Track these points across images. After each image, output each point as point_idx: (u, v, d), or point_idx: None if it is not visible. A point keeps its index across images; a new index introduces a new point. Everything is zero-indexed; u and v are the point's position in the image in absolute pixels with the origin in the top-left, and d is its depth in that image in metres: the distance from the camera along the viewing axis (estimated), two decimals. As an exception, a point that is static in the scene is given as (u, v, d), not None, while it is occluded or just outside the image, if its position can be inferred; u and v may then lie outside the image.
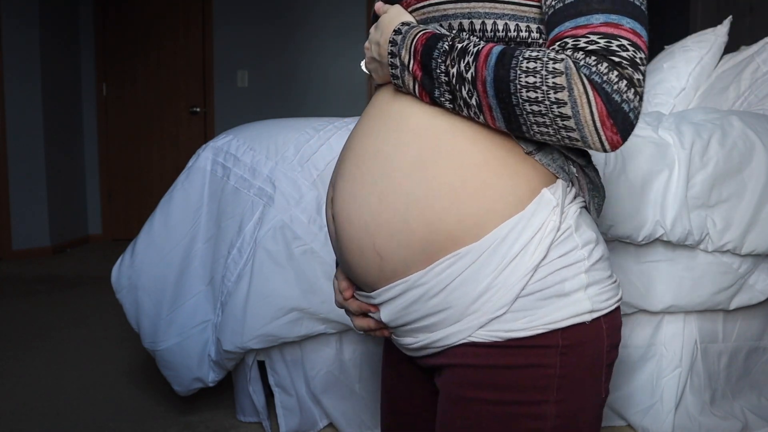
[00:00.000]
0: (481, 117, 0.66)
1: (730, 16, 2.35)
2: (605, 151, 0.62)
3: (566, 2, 0.62)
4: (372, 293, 0.74)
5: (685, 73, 2.22)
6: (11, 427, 1.71)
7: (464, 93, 0.65)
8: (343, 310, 0.94)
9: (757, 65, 2.03)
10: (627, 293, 1.51)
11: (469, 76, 0.64)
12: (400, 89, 0.72)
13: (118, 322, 2.63)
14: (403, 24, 0.71)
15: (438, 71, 0.66)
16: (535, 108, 0.60)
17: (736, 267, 1.53)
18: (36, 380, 2.05)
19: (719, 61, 2.26)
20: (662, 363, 1.59)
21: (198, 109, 4.99)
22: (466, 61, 0.64)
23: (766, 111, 1.82)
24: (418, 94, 0.69)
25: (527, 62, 0.60)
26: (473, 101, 0.64)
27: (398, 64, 0.70)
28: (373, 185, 0.69)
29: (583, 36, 0.60)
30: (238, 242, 1.56)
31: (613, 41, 0.59)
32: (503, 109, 0.63)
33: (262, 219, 1.52)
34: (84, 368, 2.16)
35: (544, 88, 0.59)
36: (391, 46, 0.70)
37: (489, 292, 0.66)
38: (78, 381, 2.04)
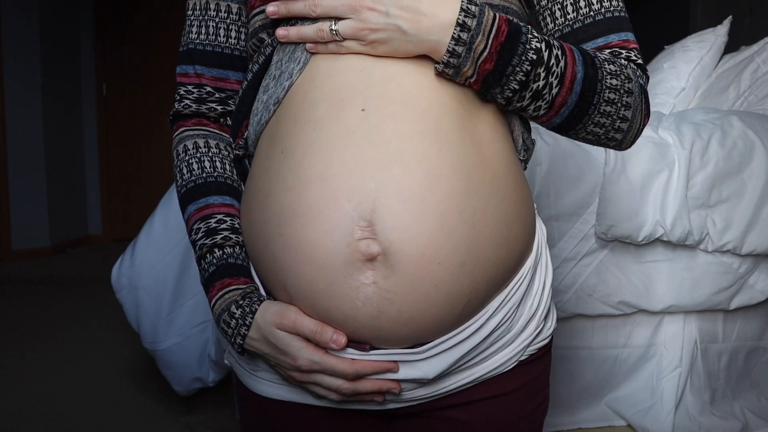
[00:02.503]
0: (540, 112, 0.61)
1: (730, 16, 2.35)
2: (622, 150, 0.70)
3: (607, 16, 0.68)
4: (423, 347, 0.60)
5: (685, 73, 2.22)
6: (11, 427, 1.71)
7: (540, 86, 0.59)
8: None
9: (757, 65, 2.03)
10: (627, 293, 1.51)
11: (558, 69, 0.59)
12: (445, 73, 0.59)
13: (118, 322, 2.63)
14: (470, 2, 0.58)
15: (519, 64, 0.58)
16: (608, 109, 0.62)
17: (736, 267, 1.53)
18: (36, 380, 2.05)
19: (719, 61, 2.26)
20: (662, 363, 1.59)
21: (198, 109, 5.00)
22: (555, 54, 0.59)
23: (766, 111, 1.82)
24: (464, 83, 0.59)
25: (608, 65, 0.62)
26: (549, 95, 0.60)
27: (461, 52, 0.57)
28: (461, 212, 0.56)
29: (630, 50, 0.68)
30: (238, 242, 1.56)
31: (640, 57, 0.68)
32: (577, 107, 0.61)
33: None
34: (84, 368, 2.16)
35: (621, 91, 0.62)
36: (460, 30, 0.57)
37: (538, 310, 0.66)
38: (78, 381, 2.04)
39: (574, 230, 1.49)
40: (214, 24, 0.73)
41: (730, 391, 1.63)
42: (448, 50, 0.57)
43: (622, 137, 0.66)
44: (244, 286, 0.64)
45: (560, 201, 1.49)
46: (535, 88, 0.59)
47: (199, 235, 0.68)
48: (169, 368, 1.63)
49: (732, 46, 2.35)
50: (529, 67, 0.58)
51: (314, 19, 0.60)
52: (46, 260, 4.23)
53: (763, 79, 1.97)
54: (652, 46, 3.05)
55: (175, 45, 5.77)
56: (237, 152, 0.71)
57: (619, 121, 0.63)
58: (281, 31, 0.61)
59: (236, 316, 0.62)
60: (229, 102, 0.75)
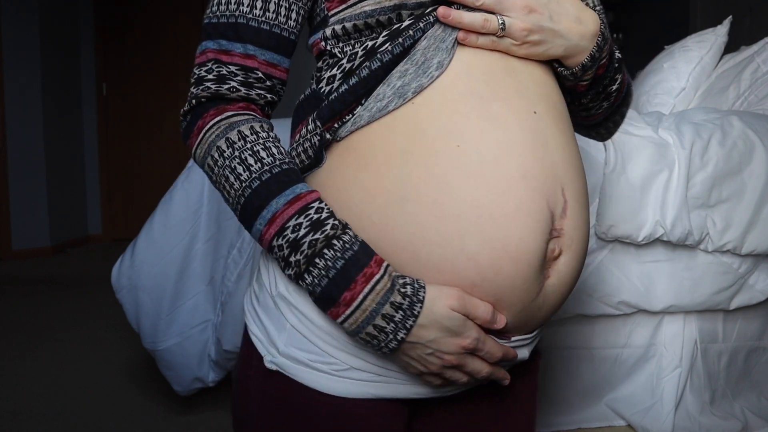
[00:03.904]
0: (612, 97, 0.74)
1: (730, 16, 2.35)
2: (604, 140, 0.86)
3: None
4: (534, 333, 0.65)
5: (685, 73, 2.22)
6: (11, 427, 1.71)
7: (612, 89, 0.73)
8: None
9: (757, 65, 2.03)
10: (627, 293, 1.51)
11: (620, 77, 0.73)
12: (562, 69, 0.65)
13: (118, 322, 2.63)
14: (598, 12, 0.68)
15: (611, 70, 0.70)
16: (624, 109, 0.80)
17: (736, 267, 1.53)
18: (36, 380, 2.05)
19: (719, 61, 2.26)
20: (662, 363, 1.59)
21: (198, 109, 5.00)
22: (618, 58, 0.71)
23: (766, 111, 1.82)
24: (583, 80, 0.67)
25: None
26: (618, 83, 0.73)
27: (597, 58, 0.65)
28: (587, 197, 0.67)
29: None
30: (238, 242, 1.56)
31: None
32: (616, 107, 0.76)
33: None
34: (84, 368, 2.16)
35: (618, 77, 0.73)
36: (601, 39, 0.65)
37: None
38: (78, 381, 2.04)
39: (574, 230, 1.49)
40: (275, 1, 0.64)
41: (730, 391, 1.63)
42: (590, 56, 0.64)
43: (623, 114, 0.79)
44: (386, 273, 0.57)
45: (560, 201, 1.49)
46: (615, 78, 0.71)
47: (303, 231, 0.57)
48: (169, 368, 1.63)
49: (732, 46, 2.35)
50: (613, 73, 0.70)
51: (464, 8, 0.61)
52: (46, 260, 4.23)
53: (763, 79, 1.97)
54: (652, 46, 3.05)
55: (176, 45, 5.75)
56: (327, 135, 0.61)
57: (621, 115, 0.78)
58: (443, 11, 0.59)
59: (403, 306, 0.56)
60: (277, 90, 0.67)
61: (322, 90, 0.63)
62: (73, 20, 4.89)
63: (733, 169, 1.51)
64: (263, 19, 0.63)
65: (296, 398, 0.62)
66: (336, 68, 0.63)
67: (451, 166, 0.57)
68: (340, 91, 0.61)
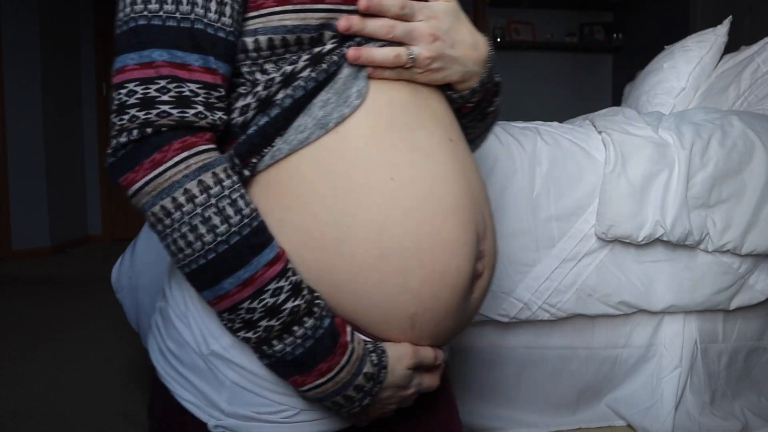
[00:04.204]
0: (488, 118, 0.77)
1: (730, 16, 2.35)
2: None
3: None
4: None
5: (685, 73, 2.22)
6: (11, 427, 1.71)
7: (495, 97, 0.75)
8: None
9: (757, 65, 2.03)
10: (627, 293, 1.51)
11: (497, 82, 0.75)
12: (451, 93, 0.67)
13: (118, 322, 2.63)
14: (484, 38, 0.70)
15: (494, 91, 0.74)
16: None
17: (736, 267, 1.53)
18: (36, 380, 2.05)
19: (719, 61, 2.26)
20: (662, 363, 1.59)
21: (198, 109, 5.00)
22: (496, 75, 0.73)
23: (766, 111, 1.82)
24: (470, 102, 0.70)
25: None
26: (495, 105, 0.75)
27: (486, 82, 0.69)
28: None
29: None
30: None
31: None
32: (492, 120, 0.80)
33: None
34: (84, 368, 2.16)
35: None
36: (491, 64, 0.69)
37: None
38: (78, 381, 2.04)
39: (574, 230, 1.49)
40: (229, 2, 0.55)
41: (730, 391, 1.63)
42: (480, 81, 0.67)
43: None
44: (353, 339, 0.56)
45: (560, 201, 1.49)
46: (486, 112, 0.73)
47: (283, 296, 0.53)
48: (169, 368, 1.63)
49: (732, 46, 2.35)
50: (492, 96, 0.72)
51: (365, 40, 0.58)
52: (46, 260, 4.23)
53: (763, 79, 1.97)
54: (652, 46, 3.05)
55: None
56: (246, 172, 0.56)
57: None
58: (353, 53, 0.56)
59: (374, 376, 0.57)
60: (225, 110, 0.57)
61: (234, 121, 0.57)
62: (73, 20, 4.89)
63: (733, 169, 1.51)
64: (219, 24, 0.54)
65: None
66: (250, 96, 0.56)
67: (387, 202, 0.55)
68: (260, 123, 0.55)
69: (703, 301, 1.53)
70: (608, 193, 1.46)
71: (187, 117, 0.53)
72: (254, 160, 0.56)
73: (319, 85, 0.56)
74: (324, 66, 0.56)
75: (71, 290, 3.34)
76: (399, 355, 0.59)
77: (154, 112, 0.52)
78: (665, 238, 1.47)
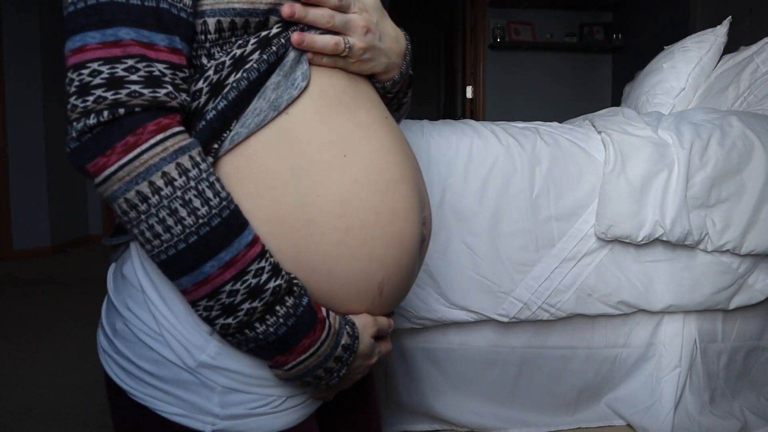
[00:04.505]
0: (402, 107, 0.80)
1: (730, 17, 2.35)
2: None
3: None
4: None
5: (685, 74, 2.22)
6: (11, 427, 1.72)
7: (409, 88, 0.79)
8: None
9: (757, 65, 2.04)
10: (627, 293, 1.52)
11: (411, 75, 0.79)
12: (376, 82, 0.72)
13: (118, 322, 2.64)
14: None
15: (410, 74, 0.78)
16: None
17: (735, 267, 1.53)
18: (36, 380, 2.05)
19: (719, 61, 2.26)
20: (662, 363, 1.59)
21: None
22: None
23: (766, 111, 1.82)
24: (387, 89, 0.73)
25: None
26: (408, 96, 0.80)
27: (405, 73, 0.73)
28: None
29: None
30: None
31: None
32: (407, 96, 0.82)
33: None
34: (84, 368, 2.16)
35: None
36: (409, 56, 0.74)
37: None
38: (78, 381, 2.04)
39: (574, 230, 1.50)
40: None
41: (730, 391, 1.64)
42: (400, 72, 0.72)
43: None
44: (328, 314, 0.59)
45: (560, 201, 1.49)
46: (401, 102, 0.78)
47: (265, 276, 0.54)
48: (169, 368, 1.63)
49: (731, 46, 2.35)
50: (407, 87, 0.77)
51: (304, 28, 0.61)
52: (47, 260, 4.23)
53: (762, 79, 1.98)
54: (652, 46, 3.05)
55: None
56: (209, 158, 0.55)
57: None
58: (297, 37, 0.58)
59: (350, 346, 0.60)
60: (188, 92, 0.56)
61: (189, 107, 0.56)
62: (73, 20, 4.90)
63: (733, 169, 1.51)
64: (181, 5, 0.54)
65: None
66: (201, 81, 0.56)
67: (343, 177, 0.58)
68: (219, 108, 0.55)
69: (702, 300, 1.54)
70: (608, 193, 1.46)
71: (159, 97, 0.52)
72: (215, 146, 0.56)
73: (270, 68, 0.57)
74: (273, 48, 0.57)
75: (71, 290, 3.34)
76: (363, 324, 0.63)
77: (124, 92, 0.50)
78: (665, 238, 1.47)
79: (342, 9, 0.62)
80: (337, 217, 0.57)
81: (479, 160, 1.49)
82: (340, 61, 0.63)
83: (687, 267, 1.52)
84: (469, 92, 5.25)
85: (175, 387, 0.58)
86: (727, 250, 1.51)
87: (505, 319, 1.49)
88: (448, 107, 7.11)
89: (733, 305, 1.55)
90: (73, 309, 2.95)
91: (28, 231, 4.34)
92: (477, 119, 4.97)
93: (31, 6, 4.29)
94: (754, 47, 2.13)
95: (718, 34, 2.26)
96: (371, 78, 0.70)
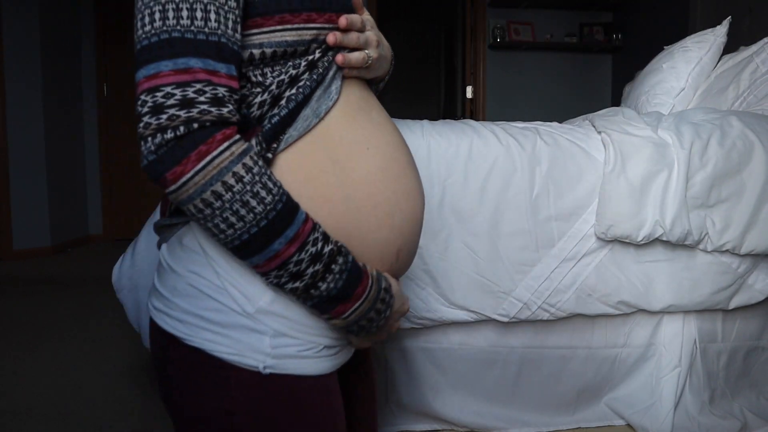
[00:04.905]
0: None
1: (730, 17, 2.35)
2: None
3: None
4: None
5: (685, 74, 2.22)
6: (11, 427, 1.72)
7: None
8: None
9: (756, 65, 2.04)
10: (627, 293, 1.52)
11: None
12: (372, 84, 0.85)
13: (118, 322, 2.64)
14: None
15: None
16: None
17: (735, 267, 1.53)
18: (36, 380, 2.05)
19: (718, 61, 2.26)
20: (661, 362, 1.59)
21: (198, 110, 5.00)
22: None
23: (766, 111, 1.82)
24: (378, 88, 0.88)
25: None
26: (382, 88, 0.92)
27: (391, 72, 0.89)
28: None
29: None
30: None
31: None
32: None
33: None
34: (84, 368, 2.16)
35: None
36: (394, 60, 0.88)
37: None
38: (78, 381, 2.04)
39: (574, 230, 1.50)
40: (233, 17, 0.66)
41: (729, 391, 1.64)
42: (389, 74, 0.88)
43: None
44: (367, 266, 0.73)
45: (560, 201, 1.49)
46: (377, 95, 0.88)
47: (320, 243, 0.67)
48: (169, 368, 1.63)
49: (731, 46, 2.35)
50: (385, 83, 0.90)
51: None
52: (47, 260, 4.23)
53: (762, 79, 1.98)
54: (652, 46, 3.05)
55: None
56: (269, 155, 0.69)
57: None
58: (341, 58, 0.73)
59: (389, 288, 0.75)
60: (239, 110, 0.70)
61: (253, 114, 0.69)
62: (73, 20, 4.90)
63: (733, 169, 1.51)
64: (234, 40, 0.66)
65: (289, 391, 0.72)
66: (266, 94, 0.70)
67: (369, 165, 0.73)
68: (282, 114, 0.69)
69: (702, 300, 1.54)
70: (608, 193, 1.46)
71: (223, 114, 0.63)
72: (274, 145, 0.69)
73: (316, 84, 0.72)
74: (320, 70, 0.72)
75: (71, 290, 3.34)
76: (393, 280, 0.77)
77: (195, 110, 0.61)
78: (664, 238, 1.47)
79: (361, 30, 0.77)
80: (367, 196, 0.72)
81: (479, 160, 1.49)
82: (363, 71, 0.78)
83: (687, 267, 1.52)
84: (469, 92, 5.25)
85: (232, 330, 0.69)
86: (727, 250, 1.51)
87: (505, 319, 1.49)
88: (448, 107, 7.10)
89: (732, 305, 1.55)
90: (73, 309, 2.95)
91: (28, 231, 4.33)
92: (477, 119, 4.97)
93: (32, 6, 4.29)
94: (754, 47, 2.13)
95: (718, 34, 2.26)
96: (369, 82, 0.84)
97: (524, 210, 1.48)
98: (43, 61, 4.38)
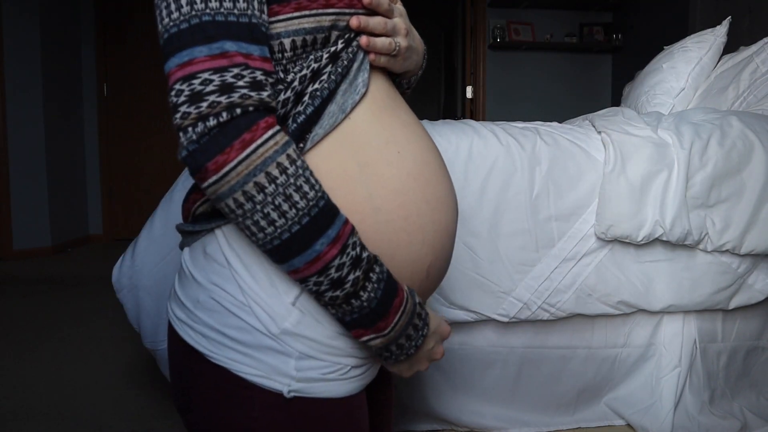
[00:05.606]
0: (406, 95, 0.84)
1: (729, 17, 2.36)
2: None
3: None
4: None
5: (685, 74, 2.23)
6: (11, 427, 1.72)
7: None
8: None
9: (756, 65, 2.04)
10: (626, 293, 1.52)
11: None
12: (402, 79, 0.80)
13: (118, 321, 2.64)
14: None
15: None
16: None
17: (735, 267, 1.53)
18: (36, 380, 2.05)
19: (718, 61, 2.26)
20: (661, 362, 1.59)
21: (198, 110, 5.00)
22: None
23: (765, 111, 1.82)
24: (410, 84, 0.82)
25: None
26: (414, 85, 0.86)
27: (423, 66, 0.82)
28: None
29: None
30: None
31: None
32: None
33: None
34: (84, 368, 2.16)
35: None
36: (426, 53, 0.82)
37: None
38: (78, 381, 2.04)
39: (574, 230, 1.50)
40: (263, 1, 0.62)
41: (729, 391, 1.64)
42: (421, 66, 0.80)
43: None
44: (406, 288, 0.67)
45: (560, 201, 1.49)
46: (407, 93, 0.84)
47: (359, 248, 0.62)
48: (169, 368, 1.63)
49: (731, 46, 2.35)
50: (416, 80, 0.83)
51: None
52: (47, 260, 4.23)
53: (762, 79, 1.98)
54: (652, 46, 3.05)
55: (176, 45, 5.83)
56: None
57: None
58: (366, 41, 0.68)
59: (422, 305, 0.68)
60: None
61: (277, 113, 0.63)
62: (73, 20, 4.90)
63: (732, 169, 1.51)
64: (262, 20, 0.62)
65: (314, 414, 0.67)
66: (289, 91, 0.64)
67: (400, 172, 0.67)
68: (307, 113, 0.64)
69: (702, 300, 1.54)
70: (608, 193, 1.46)
71: (264, 98, 0.59)
72: (301, 145, 0.64)
73: (341, 78, 0.66)
74: (344, 62, 0.66)
75: (71, 290, 3.34)
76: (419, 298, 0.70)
77: (236, 95, 0.57)
78: (664, 238, 1.47)
79: (388, 15, 0.71)
80: (397, 207, 0.66)
81: (479, 160, 1.49)
82: (391, 60, 0.72)
83: (687, 267, 1.52)
84: (469, 92, 5.25)
85: (257, 351, 0.65)
86: (727, 250, 1.51)
87: (505, 319, 1.49)
88: (448, 107, 7.10)
89: (732, 305, 1.56)
90: (73, 309, 2.95)
91: (28, 231, 4.33)
92: (477, 119, 4.97)
93: (32, 6, 4.29)
94: (754, 47, 2.14)
95: (718, 34, 2.26)
96: (398, 76, 0.79)
97: (524, 210, 1.48)
98: (43, 61, 4.38)
